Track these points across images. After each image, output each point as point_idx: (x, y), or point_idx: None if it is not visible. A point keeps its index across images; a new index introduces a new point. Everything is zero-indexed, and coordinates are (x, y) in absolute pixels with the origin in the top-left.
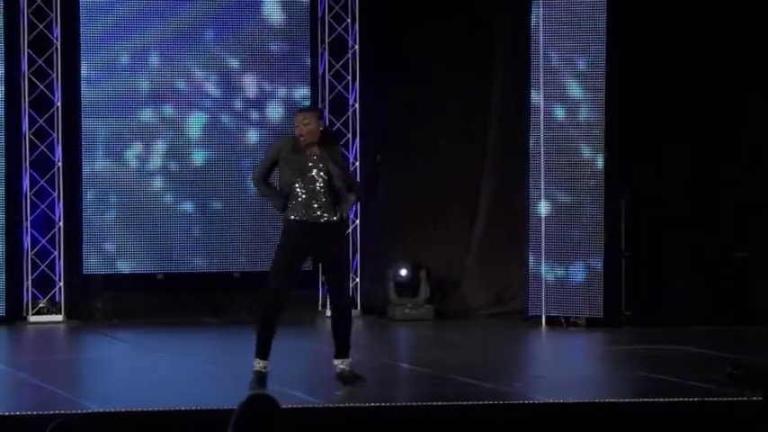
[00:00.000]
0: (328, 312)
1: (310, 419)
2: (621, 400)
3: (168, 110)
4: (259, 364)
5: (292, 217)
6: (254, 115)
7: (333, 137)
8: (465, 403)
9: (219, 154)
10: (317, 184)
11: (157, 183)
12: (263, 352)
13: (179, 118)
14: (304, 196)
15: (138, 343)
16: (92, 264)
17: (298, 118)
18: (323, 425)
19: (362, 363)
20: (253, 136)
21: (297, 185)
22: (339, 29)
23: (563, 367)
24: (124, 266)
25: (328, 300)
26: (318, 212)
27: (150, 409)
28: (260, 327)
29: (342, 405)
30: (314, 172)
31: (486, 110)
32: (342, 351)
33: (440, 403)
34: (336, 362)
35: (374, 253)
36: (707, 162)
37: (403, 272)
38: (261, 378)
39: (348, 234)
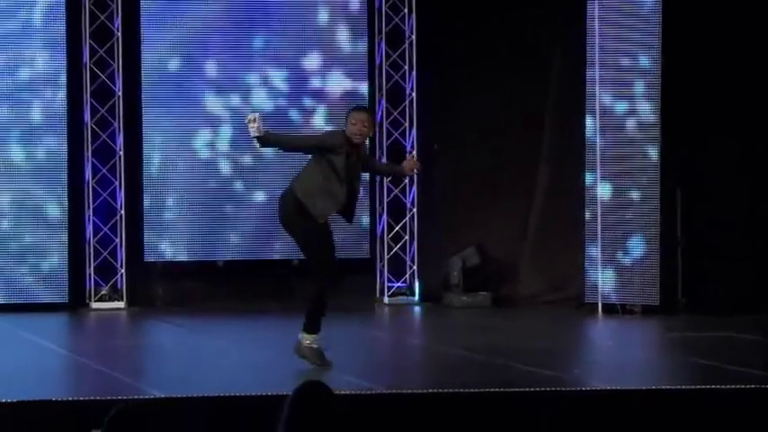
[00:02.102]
0: (387, 299)
1: (365, 405)
2: (678, 387)
3: (228, 99)
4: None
5: (317, 213)
6: (314, 105)
7: None
8: (522, 390)
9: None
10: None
11: (218, 171)
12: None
13: (240, 107)
14: (335, 195)
15: (198, 329)
16: (153, 251)
17: (359, 116)
18: (379, 411)
19: (420, 349)
20: (311, 126)
21: (331, 182)
22: (396, 19)
23: (620, 354)
24: (184, 254)
25: None
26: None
27: (209, 394)
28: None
29: (398, 391)
30: (350, 174)
31: (543, 99)
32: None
33: (497, 390)
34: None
35: (432, 240)
36: (761, 152)
37: (460, 259)
38: (321, 353)
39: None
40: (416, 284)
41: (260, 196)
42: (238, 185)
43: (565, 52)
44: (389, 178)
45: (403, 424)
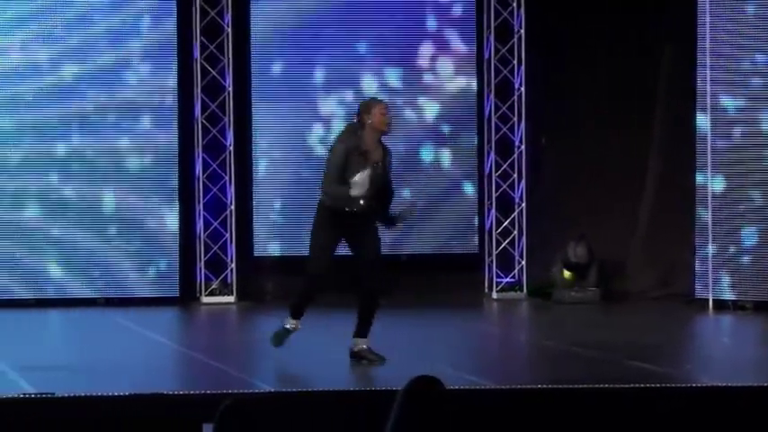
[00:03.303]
0: (495, 295)
1: (477, 401)
2: None
3: (338, 95)
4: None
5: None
6: (423, 100)
7: None
8: (633, 386)
9: (388, 139)
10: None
11: None
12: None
13: (351, 103)
14: (361, 189)
15: (307, 324)
16: (262, 246)
17: (385, 105)
18: (489, 406)
19: (529, 344)
20: (421, 122)
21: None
22: (505, 13)
23: (733, 351)
24: (293, 248)
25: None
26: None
27: (318, 389)
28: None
29: (507, 387)
30: (374, 166)
31: (653, 92)
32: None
33: (607, 386)
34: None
35: (540, 235)
36: None
37: (571, 255)
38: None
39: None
40: (525, 280)
41: None
42: None
43: (675, 44)
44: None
45: (512, 420)
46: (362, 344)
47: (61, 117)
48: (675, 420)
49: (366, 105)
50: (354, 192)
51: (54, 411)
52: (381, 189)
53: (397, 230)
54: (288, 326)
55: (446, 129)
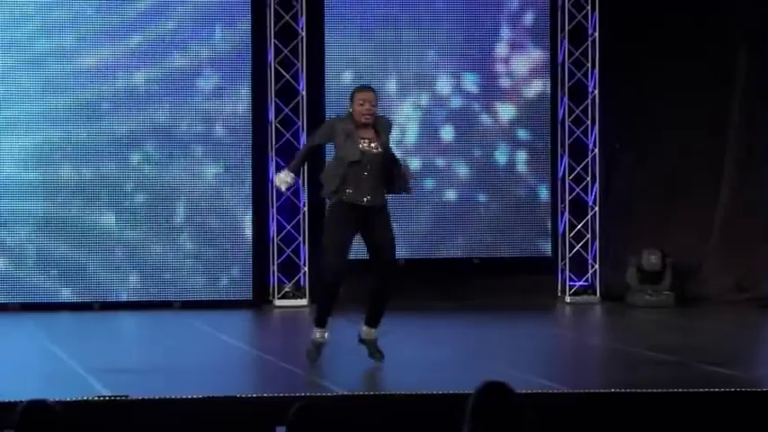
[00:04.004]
0: (567, 298)
1: (550, 404)
2: None
3: (413, 98)
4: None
5: (343, 198)
6: (497, 104)
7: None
8: (708, 390)
9: (463, 143)
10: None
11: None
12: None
13: (428, 107)
14: (355, 178)
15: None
16: None
17: (365, 96)
18: (562, 410)
19: (602, 348)
20: (495, 125)
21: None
22: (579, 16)
23: None
24: (364, 251)
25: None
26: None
27: (391, 392)
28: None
29: (581, 391)
30: (367, 154)
31: (729, 95)
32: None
33: (681, 390)
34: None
35: (614, 239)
36: None
37: (646, 258)
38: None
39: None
40: (598, 283)
41: (449, 194)
42: (425, 183)
43: (751, 46)
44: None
45: (586, 423)
46: (372, 334)
47: (134, 124)
48: (750, 425)
49: (351, 93)
50: (346, 181)
51: (128, 414)
52: (382, 171)
53: (410, 194)
54: (315, 338)
55: (520, 132)
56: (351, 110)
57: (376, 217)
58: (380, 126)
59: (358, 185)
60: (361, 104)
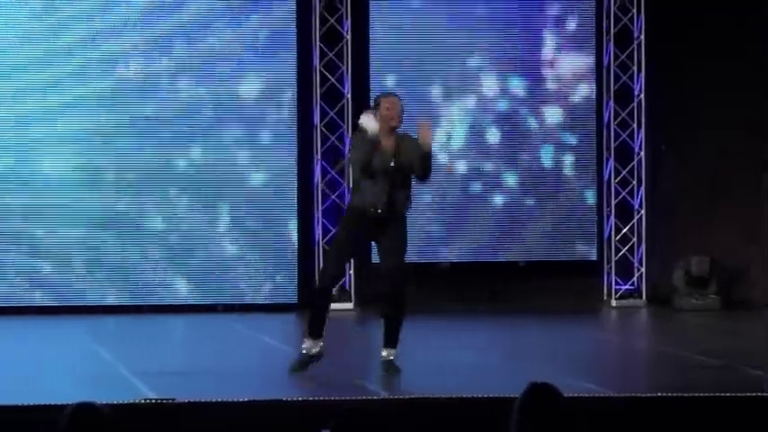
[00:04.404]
0: (613, 302)
1: (596, 408)
2: None
3: (459, 102)
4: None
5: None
6: (543, 107)
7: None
8: (755, 394)
9: (509, 147)
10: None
11: (449, 173)
12: None
13: (474, 110)
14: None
15: (424, 329)
16: None
17: (393, 100)
18: (608, 414)
19: (648, 351)
20: (541, 129)
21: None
22: (625, 19)
23: None
24: (413, 255)
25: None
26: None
27: (435, 395)
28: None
29: (628, 395)
30: (389, 161)
31: None
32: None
33: (728, 394)
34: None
35: (660, 242)
36: None
37: (696, 265)
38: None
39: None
40: (644, 287)
41: (495, 198)
42: (471, 187)
43: None
44: (424, 169)
45: (633, 428)
46: (390, 355)
47: (181, 129)
48: None
49: (375, 100)
50: (363, 191)
51: (174, 417)
52: (397, 182)
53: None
54: (303, 349)
55: (566, 136)
56: (377, 115)
57: (388, 226)
58: (407, 143)
59: (372, 194)
60: (388, 109)
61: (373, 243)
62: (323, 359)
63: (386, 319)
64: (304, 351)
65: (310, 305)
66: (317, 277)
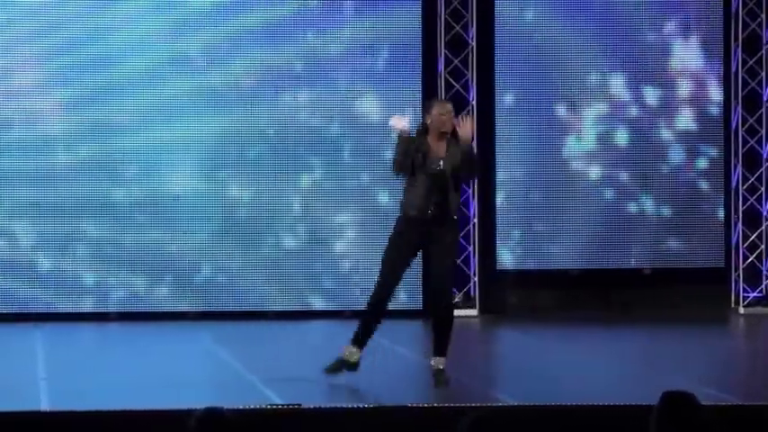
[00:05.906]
0: (741, 310)
1: (726, 416)
2: None
3: (583, 109)
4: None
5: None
6: (670, 113)
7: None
8: None
9: (636, 152)
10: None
11: (576, 178)
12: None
13: (595, 117)
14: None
15: (546, 337)
16: (505, 259)
17: (447, 107)
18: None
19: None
20: (667, 135)
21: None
22: (753, 24)
23: None
24: (534, 262)
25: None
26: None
27: (563, 404)
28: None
29: (758, 403)
30: (436, 165)
31: None
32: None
33: None
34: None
35: None
36: None
37: None
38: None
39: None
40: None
41: (622, 204)
42: (593, 193)
43: None
44: (468, 163)
45: None
46: (439, 363)
47: (299, 136)
48: None
49: (427, 106)
50: (411, 195)
51: (300, 423)
52: (446, 187)
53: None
54: (343, 354)
55: (693, 142)
56: (428, 122)
57: (438, 231)
58: (454, 147)
59: (419, 198)
60: (442, 115)
61: (423, 249)
62: (450, 367)
63: (435, 327)
64: (343, 356)
65: (362, 313)
66: (374, 289)
